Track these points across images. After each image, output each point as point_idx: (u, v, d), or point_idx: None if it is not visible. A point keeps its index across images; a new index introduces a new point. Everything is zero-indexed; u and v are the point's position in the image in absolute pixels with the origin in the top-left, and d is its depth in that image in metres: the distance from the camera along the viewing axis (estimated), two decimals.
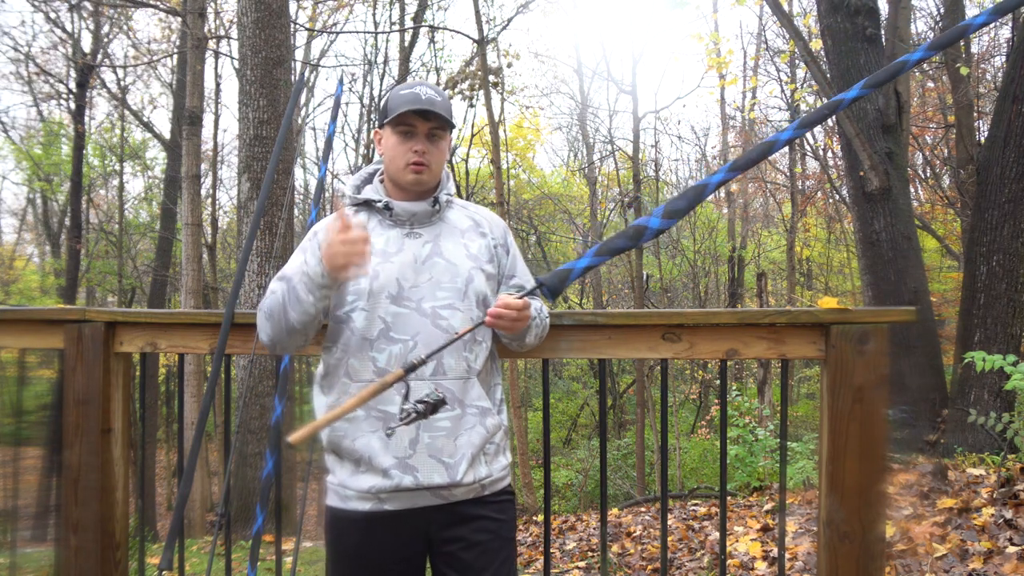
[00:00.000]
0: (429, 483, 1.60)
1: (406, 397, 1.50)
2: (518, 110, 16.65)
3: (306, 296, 1.58)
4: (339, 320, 1.68)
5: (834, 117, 8.53)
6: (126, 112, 15.38)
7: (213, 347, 2.08)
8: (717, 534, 4.61)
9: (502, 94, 13.38)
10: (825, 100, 9.69)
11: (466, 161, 15.41)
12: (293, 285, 1.59)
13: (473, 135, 15.22)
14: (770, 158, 17.22)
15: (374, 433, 1.60)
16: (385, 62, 14.24)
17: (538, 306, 1.77)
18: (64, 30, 14.36)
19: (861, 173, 5.90)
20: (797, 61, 13.20)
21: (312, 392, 1.77)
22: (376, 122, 1.79)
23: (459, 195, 9.85)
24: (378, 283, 1.64)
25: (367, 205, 1.75)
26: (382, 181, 1.78)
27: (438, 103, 1.67)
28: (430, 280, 1.66)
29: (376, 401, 1.58)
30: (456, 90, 12.04)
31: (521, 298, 1.60)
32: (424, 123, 1.68)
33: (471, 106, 13.77)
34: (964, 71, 8.12)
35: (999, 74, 11.06)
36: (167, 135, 14.49)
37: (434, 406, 1.49)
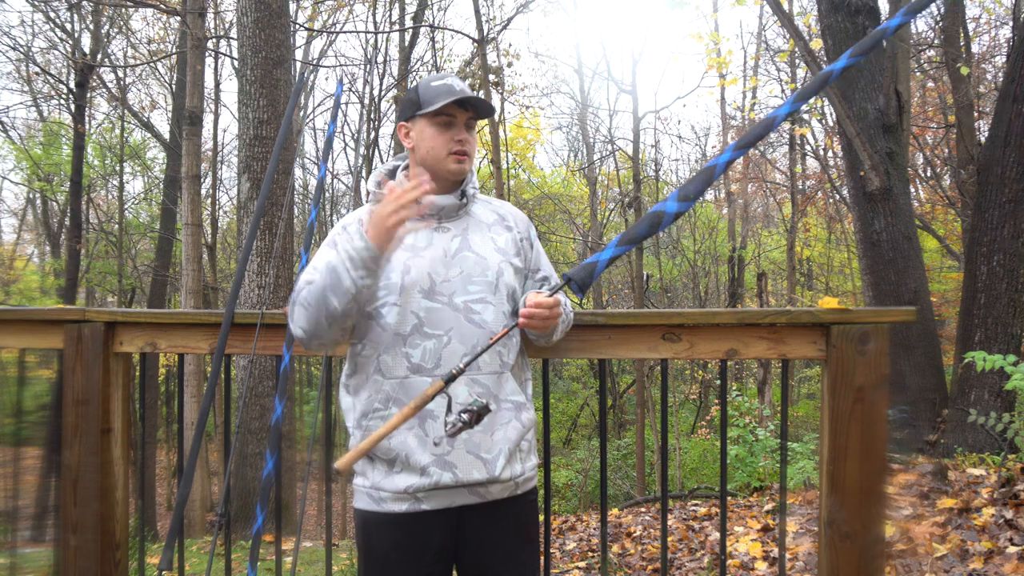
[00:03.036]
0: (468, 479, 1.59)
1: (449, 408, 1.49)
2: (518, 110, 16.65)
3: (347, 276, 1.52)
4: (368, 316, 1.66)
5: (835, 117, 8.51)
6: (126, 112, 15.36)
7: (213, 347, 2.08)
8: (717, 534, 4.61)
9: (502, 94, 13.38)
10: (825, 99, 9.66)
11: None
12: (334, 268, 1.53)
13: None
14: (771, 158, 17.21)
15: (410, 431, 1.59)
16: (385, 62, 14.24)
17: (562, 301, 1.75)
18: (64, 30, 14.36)
19: (861, 173, 5.90)
20: (797, 61, 13.19)
21: (339, 394, 1.74)
22: (400, 115, 1.77)
23: None
24: (409, 278, 1.63)
25: None
26: (406, 175, 1.77)
27: (472, 93, 1.68)
28: (461, 274, 1.65)
29: (411, 398, 1.58)
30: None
31: (551, 295, 1.59)
32: (463, 113, 1.69)
33: None
34: (964, 71, 8.11)
35: (999, 74, 11.06)
36: (167, 135, 14.49)
37: (478, 414, 1.48)
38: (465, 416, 1.47)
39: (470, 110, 1.69)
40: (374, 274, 1.54)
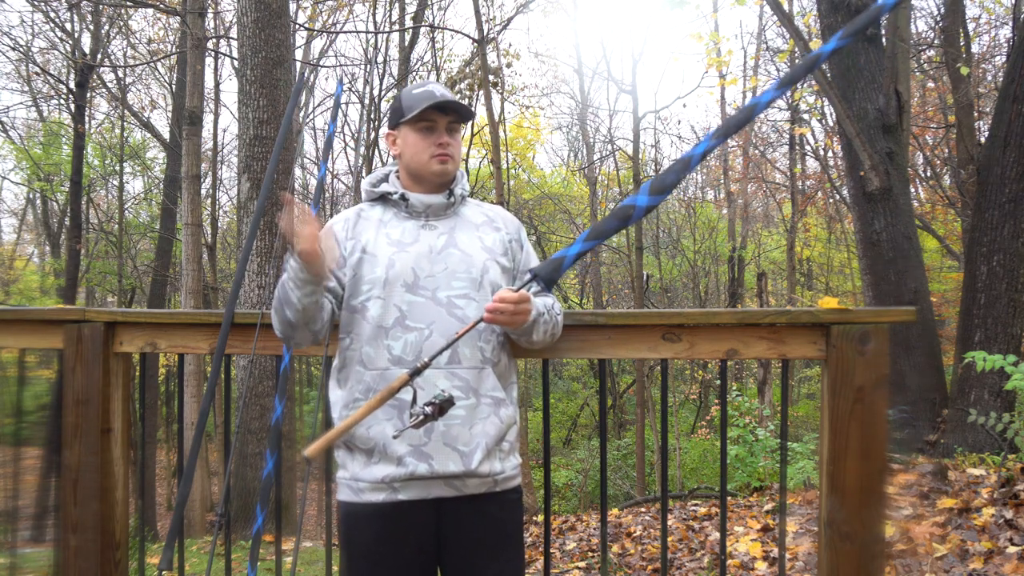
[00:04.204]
0: (444, 471, 1.61)
1: (414, 400, 1.51)
2: (518, 110, 16.65)
3: (292, 292, 1.62)
4: (354, 310, 1.71)
5: (835, 117, 8.50)
6: (126, 112, 15.36)
7: (213, 347, 2.08)
8: (717, 534, 4.61)
9: (502, 94, 13.38)
10: (826, 100, 9.64)
11: (466, 161, 15.42)
12: (283, 282, 1.63)
13: (473, 135, 15.22)
14: (770, 158, 17.20)
15: (388, 421, 1.61)
16: (385, 62, 14.23)
17: (549, 303, 1.75)
18: (64, 30, 14.35)
19: (861, 173, 5.90)
20: (797, 61, 13.18)
21: (328, 386, 1.79)
22: (387, 124, 1.83)
23: None
24: (394, 272, 1.67)
25: (383, 199, 1.80)
26: (398, 177, 1.83)
27: (454, 99, 1.73)
28: (445, 270, 1.68)
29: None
30: (456, 90, 12.04)
31: (517, 290, 1.59)
32: (443, 117, 1.74)
33: (471, 106, 13.76)
34: (964, 71, 8.11)
35: (999, 74, 11.06)
36: (167, 135, 14.48)
37: (441, 407, 1.50)
38: (428, 408, 1.49)
39: (451, 114, 1.74)
40: (316, 290, 1.62)
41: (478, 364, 1.66)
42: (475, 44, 10.56)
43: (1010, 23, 10.17)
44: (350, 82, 15.00)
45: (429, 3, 13.69)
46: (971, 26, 10.88)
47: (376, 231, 1.74)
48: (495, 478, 1.68)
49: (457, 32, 12.00)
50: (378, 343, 1.64)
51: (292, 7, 9.97)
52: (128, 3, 10.51)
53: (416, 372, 1.48)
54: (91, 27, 14.06)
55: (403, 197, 1.75)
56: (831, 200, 14.82)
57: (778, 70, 14.80)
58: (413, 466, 1.60)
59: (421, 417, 1.49)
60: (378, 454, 1.62)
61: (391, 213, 1.77)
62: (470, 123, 14.93)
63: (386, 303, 1.65)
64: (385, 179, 1.84)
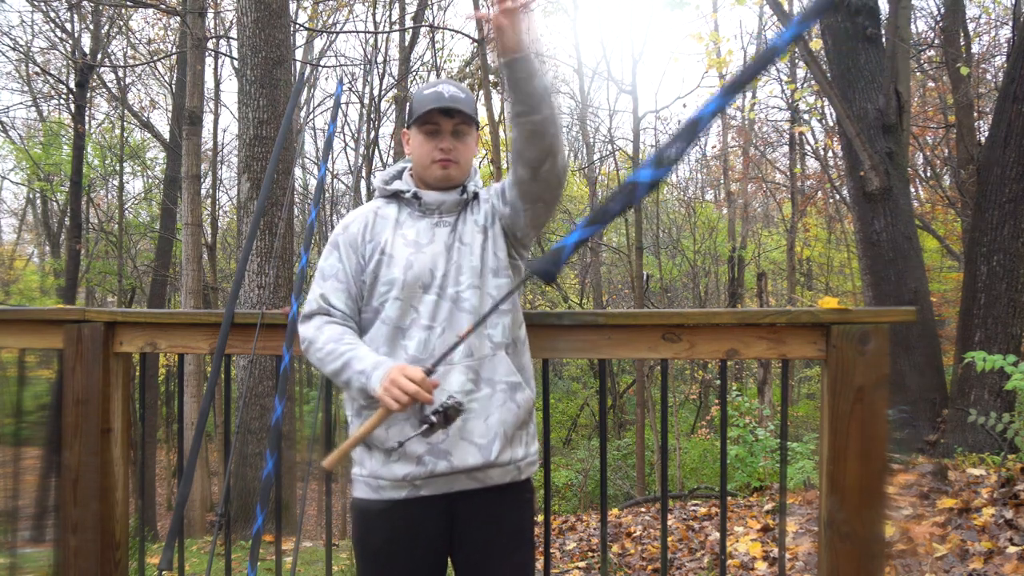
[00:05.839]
0: (464, 465, 1.61)
1: (421, 408, 1.52)
2: None
3: (349, 392, 1.66)
4: (372, 312, 1.71)
5: (835, 117, 8.48)
6: (126, 112, 15.35)
7: (213, 347, 2.08)
8: (717, 534, 4.61)
9: (502, 94, 13.37)
10: (826, 100, 9.60)
11: None
12: (350, 376, 1.61)
13: None
14: (770, 157, 17.18)
15: (407, 420, 1.61)
16: (385, 62, 14.23)
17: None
18: (64, 30, 14.35)
19: (861, 173, 5.89)
20: (797, 61, 13.18)
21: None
22: (405, 122, 1.83)
23: None
24: (412, 273, 1.67)
25: (396, 197, 1.79)
26: (411, 175, 1.83)
27: (461, 100, 1.70)
28: (456, 266, 1.69)
29: None
30: None
31: (514, 287, 1.65)
32: (449, 120, 1.71)
33: None
34: (964, 71, 8.11)
35: (999, 74, 11.05)
36: (167, 135, 14.48)
37: (447, 415, 1.51)
38: (434, 417, 1.50)
39: (456, 116, 1.71)
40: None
41: (488, 352, 1.66)
42: (475, 44, 10.56)
43: (1010, 23, 10.17)
44: (350, 82, 15.01)
45: (429, 3, 13.69)
46: (971, 26, 10.88)
47: (393, 231, 1.74)
48: (518, 465, 1.69)
49: (457, 32, 12.01)
50: (395, 343, 1.65)
51: (292, 7, 9.97)
52: (128, 3, 10.51)
53: (427, 373, 1.52)
54: (91, 27, 14.05)
55: (416, 196, 1.75)
56: (831, 200, 14.81)
57: (778, 70, 14.79)
58: (432, 464, 1.61)
59: (427, 426, 1.50)
60: (397, 452, 1.62)
61: (406, 212, 1.77)
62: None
63: (404, 304, 1.66)
64: (399, 175, 1.84)
